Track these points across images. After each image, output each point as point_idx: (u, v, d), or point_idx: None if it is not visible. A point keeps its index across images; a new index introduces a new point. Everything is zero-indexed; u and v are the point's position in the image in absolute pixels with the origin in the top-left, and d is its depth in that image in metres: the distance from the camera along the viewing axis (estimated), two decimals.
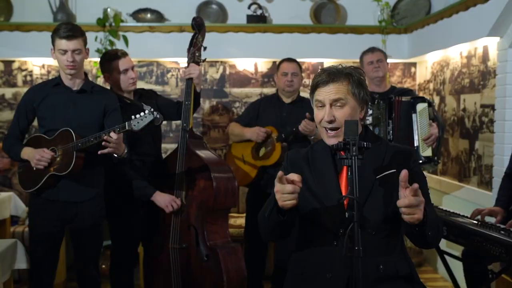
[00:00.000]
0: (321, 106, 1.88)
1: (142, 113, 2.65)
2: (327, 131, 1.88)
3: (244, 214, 3.84)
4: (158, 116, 2.68)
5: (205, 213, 2.93)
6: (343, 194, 1.84)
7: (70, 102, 2.84)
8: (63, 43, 2.71)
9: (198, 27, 3.16)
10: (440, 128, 3.34)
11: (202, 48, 3.16)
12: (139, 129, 2.62)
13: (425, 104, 3.27)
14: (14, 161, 3.44)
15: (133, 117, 2.65)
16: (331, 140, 1.88)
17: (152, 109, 2.67)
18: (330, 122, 1.85)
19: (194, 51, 3.14)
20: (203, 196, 2.98)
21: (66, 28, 2.73)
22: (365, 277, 1.75)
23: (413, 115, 3.28)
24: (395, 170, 1.85)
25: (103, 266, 4.14)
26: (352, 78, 1.87)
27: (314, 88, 1.91)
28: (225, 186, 2.97)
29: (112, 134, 2.59)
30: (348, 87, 1.86)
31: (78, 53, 2.76)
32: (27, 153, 2.80)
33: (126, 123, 2.63)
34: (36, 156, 2.72)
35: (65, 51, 2.73)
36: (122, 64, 3.12)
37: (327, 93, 1.85)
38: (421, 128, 3.27)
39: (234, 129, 3.68)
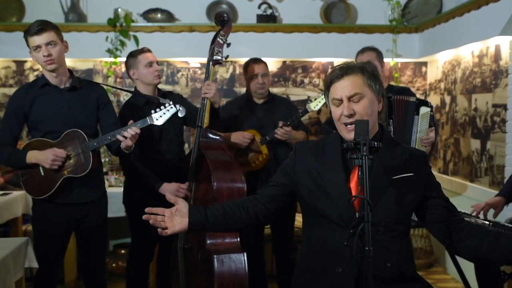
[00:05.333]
0: (339, 104, 1.86)
1: (162, 107, 2.67)
2: (346, 126, 1.85)
3: None
4: (180, 108, 2.70)
5: None
6: (353, 192, 1.84)
7: (63, 101, 2.76)
8: (35, 39, 2.64)
9: (221, 23, 3.07)
10: (436, 135, 3.36)
11: (226, 45, 3.05)
12: (162, 123, 2.67)
13: (428, 109, 3.28)
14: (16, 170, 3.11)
15: (153, 111, 2.68)
16: (351, 133, 1.83)
17: (171, 102, 2.70)
18: (350, 116, 1.83)
19: (214, 47, 3.04)
20: (205, 199, 2.92)
21: (35, 24, 2.66)
22: (373, 275, 1.75)
23: (415, 117, 3.28)
24: (412, 174, 1.86)
25: (114, 265, 4.17)
26: (366, 70, 1.87)
27: (328, 85, 1.90)
28: (228, 190, 2.85)
29: (135, 129, 2.61)
30: (363, 78, 1.85)
31: (53, 46, 2.65)
32: (35, 156, 2.68)
33: (147, 118, 2.67)
34: (50, 157, 2.63)
35: (39, 47, 2.64)
36: (147, 57, 3.15)
37: (342, 88, 1.84)
38: (420, 132, 3.28)
39: None
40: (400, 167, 1.88)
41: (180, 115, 2.75)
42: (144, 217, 1.84)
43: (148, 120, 2.66)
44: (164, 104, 2.70)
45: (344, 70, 1.86)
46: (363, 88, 1.84)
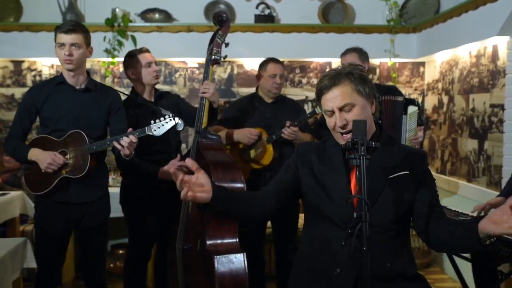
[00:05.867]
0: (331, 115, 1.89)
1: (162, 118, 2.67)
2: (342, 135, 1.88)
3: None
4: (179, 121, 2.70)
5: (208, 216, 2.80)
6: (353, 192, 1.85)
7: (76, 101, 2.81)
8: (62, 37, 2.71)
9: (219, 23, 3.07)
10: (424, 133, 3.35)
11: (224, 45, 3.05)
12: (159, 135, 2.67)
13: (416, 108, 3.27)
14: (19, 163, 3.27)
15: (152, 122, 2.67)
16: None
17: (172, 115, 2.69)
18: (344, 127, 1.85)
19: (212, 47, 3.04)
20: None
21: (68, 23, 2.75)
22: (373, 275, 1.75)
23: (403, 117, 3.27)
24: (408, 172, 1.87)
25: (111, 265, 4.17)
26: (354, 76, 1.86)
27: (319, 95, 1.92)
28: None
29: (132, 137, 2.62)
30: (351, 86, 1.85)
31: (76, 48, 2.72)
32: (36, 154, 2.72)
33: (146, 128, 2.66)
34: (47, 160, 2.67)
35: (63, 45, 2.71)
36: (145, 57, 3.17)
37: (332, 100, 1.85)
38: (409, 131, 3.28)
39: (220, 132, 3.50)
40: (397, 166, 1.89)
41: (178, 128, 2.75)
42: (172, 170, 1.82)
43: (147, 130, 2.66)
44: (164, 116, 2.70)
45: (333, 80, 1.85)
46: (352, 96, 1.84)
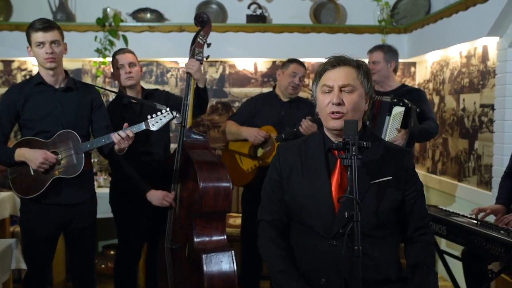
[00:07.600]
0: (328, 92, 1.83)
1: (159, 113, 2.66)
2: (332, 113, 1.82)
3: None
4: (177, 115, 2.69)
5: (194, 215, 2.84)
6: (334, 196, 1.81)
7: (57, 101, 2.75)
8: (39, 35, 2.63)
9: (200, 24, 3.10)
10: (407, 137, 3.17)
11: (206, 45, 3.09)
12: (157, 129, 2.65)
13: (402, 109, 3.16)
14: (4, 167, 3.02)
15: (149, 116, 2.65)
16: (336, 122, 1.81)
17: (168, 109, 2.68)
18: (338, 104, 1.80)
19: (194, 48, 3.08)
20: (191, 198, 2.90)
21: (41, 21, 2.67)
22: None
23: (387, 117, 3.20)
24: (391, 178, 1.83)
25: (103, 266, 4.15)
26: (362, 68, 1.86)
27: (320, 73, 1.87)
28: (215, 190, 2.85)
29: (129, 132, 2.60)
30: (357, 72, 1.84)
31: (57, 45, 2.67)
32: (24, 154, 2.64)
33: (143, 123, 2.64)
34: (39, 159, 2.59)
35: (43, 43, 2.64)
36: (119, 59, 3.15)
37: (336, 77, 1.82)
38: (390, 133, 3.19)
39: (231, 128, 3.57)
40: (381, 167, 1.85)
41: (176, 122, 2.78)
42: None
43: (144, 125, 2.64)
44: (160, 110, 2.68)
45: (340, 60, 1.85)
46: (356, 81, 1.83)
